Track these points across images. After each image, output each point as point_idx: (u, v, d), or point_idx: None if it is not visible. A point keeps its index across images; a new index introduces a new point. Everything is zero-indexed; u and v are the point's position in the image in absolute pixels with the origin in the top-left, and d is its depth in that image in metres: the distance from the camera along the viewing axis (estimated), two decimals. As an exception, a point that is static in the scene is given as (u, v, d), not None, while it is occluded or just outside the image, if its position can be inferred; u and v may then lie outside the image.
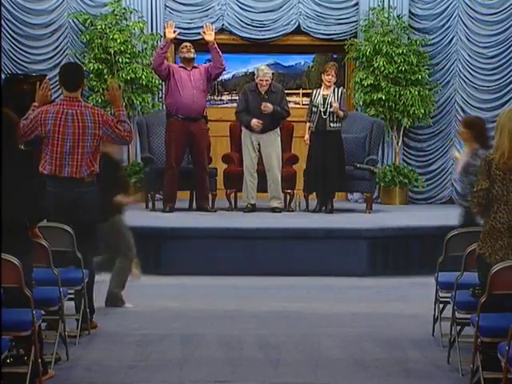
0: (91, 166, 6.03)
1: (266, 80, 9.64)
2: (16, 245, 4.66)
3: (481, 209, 4.89)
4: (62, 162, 5.96)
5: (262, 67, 9.84)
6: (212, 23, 11.15)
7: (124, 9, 11.13)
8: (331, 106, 9.52)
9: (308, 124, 9.74)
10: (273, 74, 10.06)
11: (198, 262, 8.33)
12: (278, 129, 9.78)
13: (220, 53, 9.54)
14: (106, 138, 6.09)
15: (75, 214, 5.98)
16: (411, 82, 11.15)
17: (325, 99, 9.58)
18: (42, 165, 6.01)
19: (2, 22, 10.75)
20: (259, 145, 9.71)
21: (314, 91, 9.82)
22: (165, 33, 10.03)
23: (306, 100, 11.32)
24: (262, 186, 9.79)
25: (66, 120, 5.97)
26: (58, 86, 11.01)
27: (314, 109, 9.64)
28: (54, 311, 5.37)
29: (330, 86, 9.62)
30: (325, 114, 9.57)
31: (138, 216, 9.42)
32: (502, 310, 4.80)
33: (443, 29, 11.47)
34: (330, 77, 9.61)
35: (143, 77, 10.96)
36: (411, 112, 11.08)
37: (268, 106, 9.53)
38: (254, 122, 9.55)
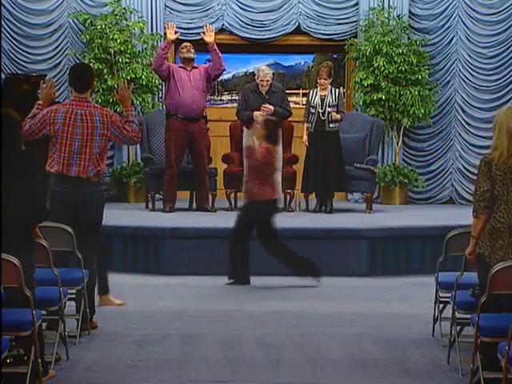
0: (98, 165, 6.06)
1: (267, 80, 9.63)
2: (18, 244, 4.67)
3: (488, 211, 4.85)
4: (69, 162, 6.00)
5: (262, 67, 9.83)
6: (212, 23, 11.18)
7: (124, 9, 11.13)
8: (329, 106, 9.53)
9: (306, 125, 9.74)
10: (273, 73, 10.05)
11: (198, 262, 8.33)
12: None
13: (220, 54, 9.53)
14: (113, 138, 6.13)
15: (80, 213, 6.02)
16: (411, 82, 11.15)
17: (322, 100, 9.58)
18: (50, 163, 6.05)
19: (2, 22, 10.76)
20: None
21: (311, 92, 9.82)
22: (165, 33, 10.01)
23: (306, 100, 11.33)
24: (262, 186, 9.77)
25: (75, 120, 6.00)
26: (59, 86, 11.08)
27: (312, 110, 9.64)
28: (54, 311, 5.37)
29: (325, 89, 9.62)
30: (323, 116, 9.57)
31: (138, 216, 9.44)
32: (501, 310, 4.80)
33: (443, 29, 11.47)
34: (322, 80, 9.62)
35: (143, 77, 10.97)
36: (411, 112, 11.08)
37: (267, 109, 9.51)
38: (257, 113, 9.52)
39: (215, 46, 9.54)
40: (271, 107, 9.53)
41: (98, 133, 6.02)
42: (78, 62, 10.83)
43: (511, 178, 4.78)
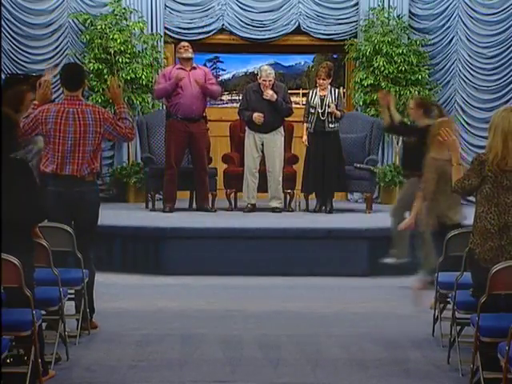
0: (92, 164, 6.05)
1: (270, 80, 9.60)
2: (18, 244, 4.67)
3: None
4: (63, 161, 5.99)
5: (265, 67, 9.79)
6: (212, 23, 11.20)
7: (124, 9, 11.13)
8: (329, 107, 9.53)
9: (305, 125, 9.73)
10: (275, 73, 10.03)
11: (198, 262, 8.33)
12: (282, 128, 9.76)
13: (209, 89, 9.54)
14: (107, 135, 6.13)
15: (76, 213, 6.01)
16: (411, 82, 11.15)
17: (322, 100, 9.57)
18: (44, 163, 6.04)
19: (2, 22, 10.75)
20: (263, 145, 9.70)
21: (311, 92, 9.82)
22: (177, 75, 9.80)
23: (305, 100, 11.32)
24: (262, 186, 9.79)
25: (67, 119, 5.99)
26: (58, 86, 11.07)
27: (312, 110, 9.63)
28: (54, 311, 5.37)
29: (324, 89, 9.62)
30: (323, 116, 9.56)
31: (138, 216, 9.44)
32: (501, 310, 4.81)
33: (443, 29, 11.47)
34: (321, 80, 9.61)
35: (143, 77, 10.96)
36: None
37: (270, 93, 9.50)
38: (256, 115, 9.53)
39: (205, 88, 9.57)
40: (274, 94, 9.50)
41: (90, 130, 6.01)
42: (78, 62, 10.82)
43: (501, 182, 4.80)
